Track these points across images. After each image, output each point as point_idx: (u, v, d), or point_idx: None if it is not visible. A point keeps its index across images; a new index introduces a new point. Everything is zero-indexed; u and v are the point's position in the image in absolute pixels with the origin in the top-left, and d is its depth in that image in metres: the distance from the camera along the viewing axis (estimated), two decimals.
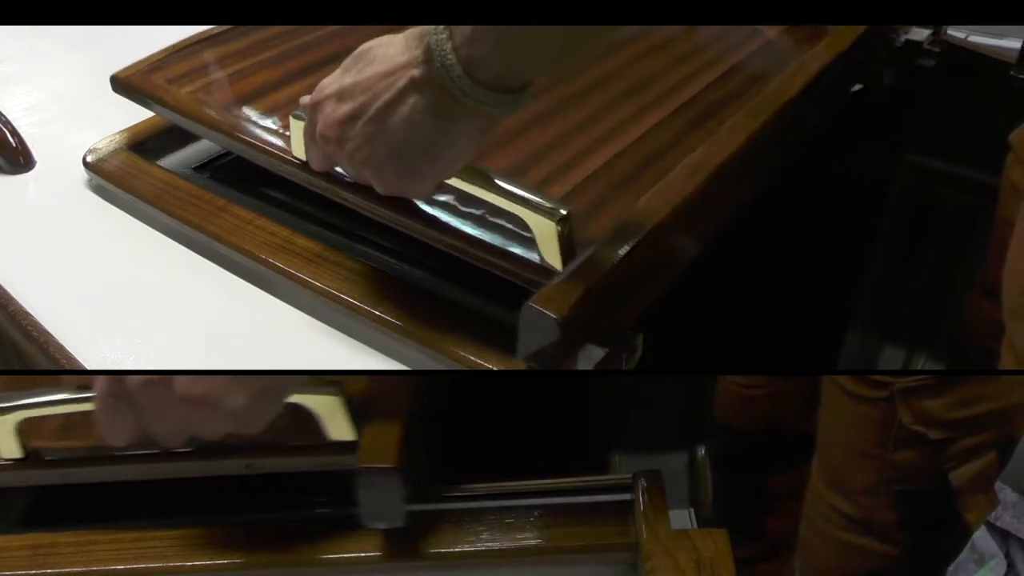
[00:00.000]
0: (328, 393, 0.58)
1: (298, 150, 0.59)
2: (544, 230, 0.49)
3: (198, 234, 0.68)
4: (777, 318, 1.24)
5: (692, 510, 0.64)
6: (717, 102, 0.70)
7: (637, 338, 0.56)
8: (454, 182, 0.52)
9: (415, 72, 0.47)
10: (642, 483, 0.63)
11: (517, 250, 0.52)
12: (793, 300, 1.21)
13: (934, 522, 0.79)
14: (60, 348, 0.60)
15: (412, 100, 0.47)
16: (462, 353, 0.54)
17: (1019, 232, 0.72)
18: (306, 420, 0.58)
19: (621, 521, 0.62)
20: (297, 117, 0.57)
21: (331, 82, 0.51)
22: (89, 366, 0.59)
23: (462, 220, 0.54)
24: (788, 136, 0.71)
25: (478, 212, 0.53)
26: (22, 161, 0.79)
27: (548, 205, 0.49)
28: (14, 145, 0.79)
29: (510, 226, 0.52)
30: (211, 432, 0.54)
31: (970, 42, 0.98)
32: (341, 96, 0.50)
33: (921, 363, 1.24)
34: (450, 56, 0.45)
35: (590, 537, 0.62)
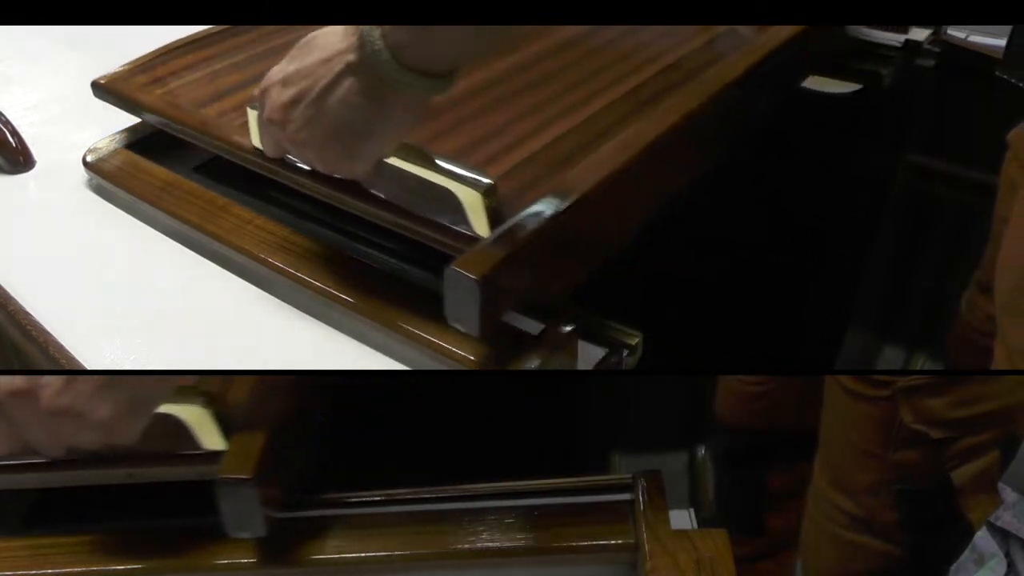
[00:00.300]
0: (195, 403, 0.59)
1: (255, 138, 0.61)
2: (471, 200, 0.53)
3: (198, 234, 0.68)
4: (778, 318, 1.24)
5: (692, 510, 0.64)
6: (664, 88, 0.72)
7: (637, 338, 0.57)
8: (392, 160, 0.55)
9: (350, 57, 0.50)
10: (642, 483, 0.63)
11: (450, 222, 0.55)
12: (793, 300, 1.21)
13: (936, 521, 0.79)
14: (60, 348, 0.60)
15: (348, 84, 0.50)
16: (462, 353, 0.54)
17: (1012, 229, 0.72)
18: (185, 429, 0.59)
19: (621, 521, 0.62)
20: (253, 107, 0.59)
21: (278, 70, 0.55)
22: (89, 366, 0.59)
23: (401, 196, 0.57)
24: (731, 119, 0.73)
25: (416, 189, 0.56)
26: (22, 161, 0.79)
27: (473, 177, 0.53)
28: (14, 145, 0.79)
29: (444, 200, 0.55)
30: (84, 442, 0.55)
31: (970, 42, 0.98)
32: (285, 82, 0.53)
33: (921, 363, 1.24)
34: (378, 43, 0.48)
35: (590, 537, 0.62)
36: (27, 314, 0.63)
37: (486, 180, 0.53)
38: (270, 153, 0.60)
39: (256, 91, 0.57)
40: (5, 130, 0.80)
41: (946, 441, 0.74)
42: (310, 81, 0.52)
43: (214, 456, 0.58)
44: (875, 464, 0.77)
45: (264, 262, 0.64)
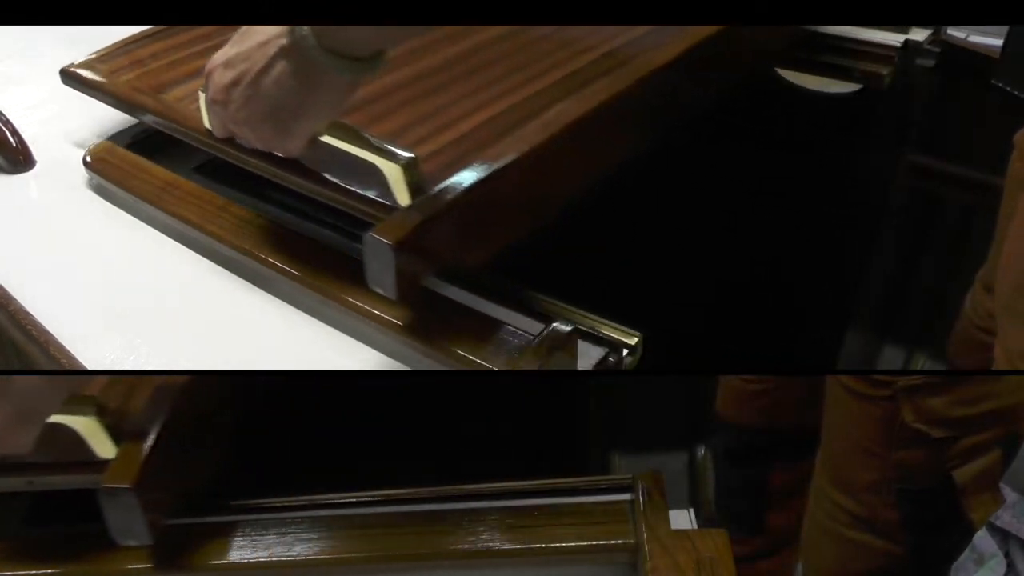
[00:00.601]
0: (83, 414, 0.60)
1: (205, 120, 0.64)
2: (394, 174, 0.56)
3: (198, 233, 0.68)
4: (778, 317, 1.24)
5: (692, 510, 0.64)
6: (597, 73, 0.73)
7: (637, 338, 0.57)
8: (325, 138, 0.58)
9: (283, 42, 0.53)
10: (642, 483, 0.63)
11: (377, 195, 0.58)
12: (794, 299, 1.21)
13: (938, 521, 0.79)
14: (60, 348, 0.60)
15: (280, 66, 0.54)
16: (461, 352, 0.55)
17: (1015, 229, 0.72)
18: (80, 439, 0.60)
19: (621, 521, 0.62)
20: (203, 90, 0.62)
21: (221, 54, 0.58)
22: (89, 365, 0.59)
23: (334, 172, 0.60)
24: (662, 103, 0.75)
25: (346, 164, 0.59)
26: (22, 160, 0.79)
27: (395, 151, 0.56)
28: (14, 145, 0.79)
29: (371, 174, 0.58)
30: None
31: (970, 42, 0.98)
32: (227, 65, 0.57)
33: (921, 362, 1.24)
34: (305, 28, 0.52)
35: (590, 537, 0.61)
36: (27, 314, 0.63)
37: (407, 154, 0.56)
38: (217, 133, 0.63)
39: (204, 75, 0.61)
40: (5, 130, 0.80)
41: (947, 440, 0.74)
42: (248, 64, 0.55)
43: (106, 465, 0.59)
44: (876, 463, 0.77)
45: (264, 262, 0.64)
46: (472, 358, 0.54)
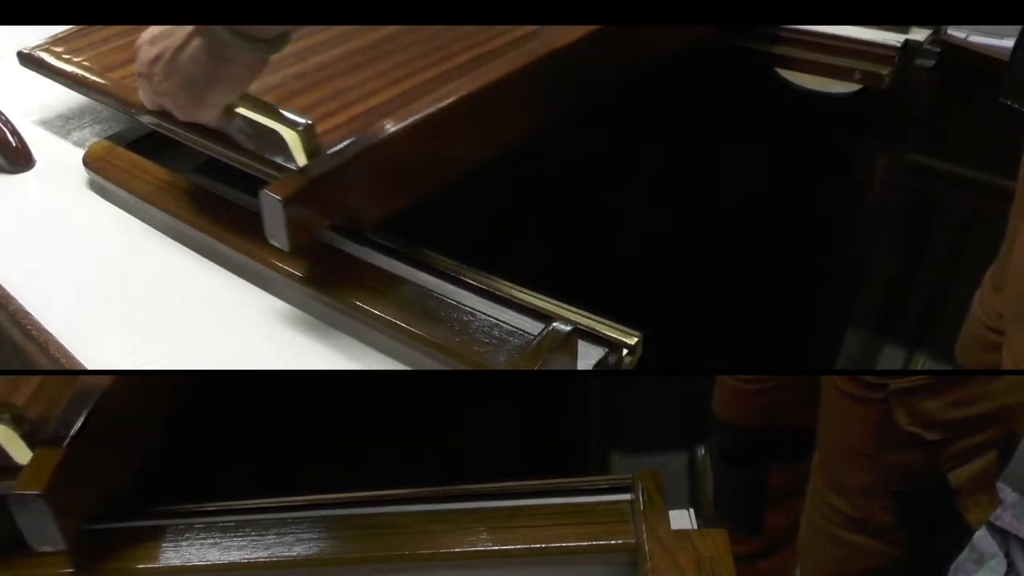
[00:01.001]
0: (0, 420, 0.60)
1: (141, 94, 0.69)
2: (292, 139, 0.61)
3: (198, 233, 0.68)
4: (778, 318, 1.24)
5: (692, 510, 0.63)
6: (503, 54, 0.76)
7: (637, 338, 0.57)
8: (237, 109, 0.63)
9: None
10: (642, 483, 0.63)
11: (282, 160, 0.63)
12: (793, 299, 1.21)
13: (934, 523, 0.78)
14: (60, 347, 0.60)
15: (195, 44, 0.59)
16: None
17: None
18: None
19: (621, 521, 0.62)
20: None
21: (148, 32, 0.63)
22: (89, 366, 0.59)
23: (245, 139, 0.65)
24: (561, 83, 0.78)
25: (254, 132, 0.64)
26: (22, 160, 0.79)
27: (294, 119, 0.62)
28: (14, 144, 0.79)
29: (274, 140, 0.63)
30: None
31: (970, 42, 0.98)
32: (151, 41, 0.63)
33: (922, 363, 1.24)
34: None
35: (590, 537, 0.61)
36: (27, 314, 0.63)
37: (305, 121, 0.61)
38: (148, 105, 0.68)
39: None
40: (5, 130, 0.80)
41: (942, 443, 0.73)
42: (169, 41, 0.61)
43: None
44: (870, 465, 0.77)
45: (264, 261, 0.64)
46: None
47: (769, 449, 1.00)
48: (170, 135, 0.69)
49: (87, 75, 0.77)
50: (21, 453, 0.60)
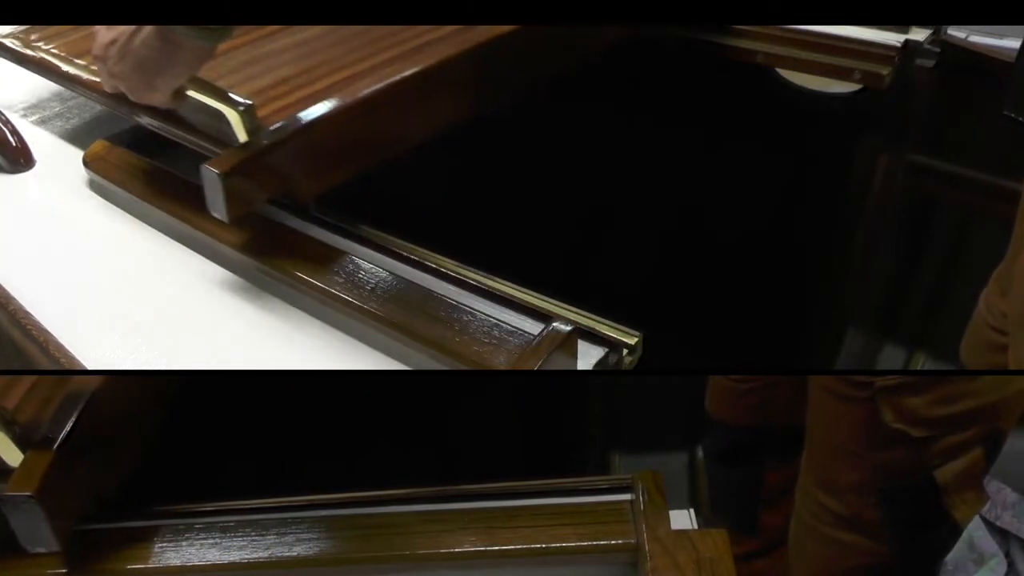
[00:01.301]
0: None
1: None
2: (235, 118, 0.65)
3: (199, 233, 0.68)
4: (777, 317, 1.24)
5: (692, 510, 0.63)
6: (440, 42, 0.79)
7: (637, 338, 0.56)
8: (188, 91, 0.67)
9: None
10: (642, 483, 0.63)
11: (226, 139, 0.66)
12: (792, 299, 1.21)
13: (921, 520, 0.79)
14: (60, 347, 0.60)
15: (148, 29, 0.62)
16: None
17: None
18: None
19: (621, 521, 0.62)
20: None
21: None
22: (89, 366, 0.59)
23: (195, 119, 0.69)
24: (495, 71, 0.80)
25: (203, 112, 0.67)
26: (22, 160, 0.79)
27: (236, 99, 0.65)
28: (14, 144, 0.79)
29: (220, 120, 0.66)
30: None
31: (970, 42, 0.98)
32: (109, 27, 0.65)
33: (921, 363, 1.24)
34: None
35: (590, 537, 0.61)
36: (27, 314, 0.63)
37: (246, 101, 0.65)
38: (107, 88, 0.71)
39: None
40: (5, 129, 0.80)
41: (928, 440, 0.74)
42: (124, 26, 0.63)
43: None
44: (858, 463, 0.77)
45: (264, 261, 0.64)
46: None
47: (763, 448, 1.00)
48: (125, 117, 0.74)
49: (56, 62, 0.80)
50: (12, 456, 0.61)
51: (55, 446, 0.59)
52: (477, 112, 0.80)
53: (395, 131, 0.73)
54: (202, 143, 0.67)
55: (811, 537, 0.85)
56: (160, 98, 0.67)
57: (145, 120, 0.71)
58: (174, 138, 0.70)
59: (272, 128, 0.65)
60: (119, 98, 0.70)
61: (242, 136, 0.65)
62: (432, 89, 0.74)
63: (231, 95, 0.66)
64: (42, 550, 0.60)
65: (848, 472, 0.78)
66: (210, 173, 0.60)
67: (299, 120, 0.66)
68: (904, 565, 0.81)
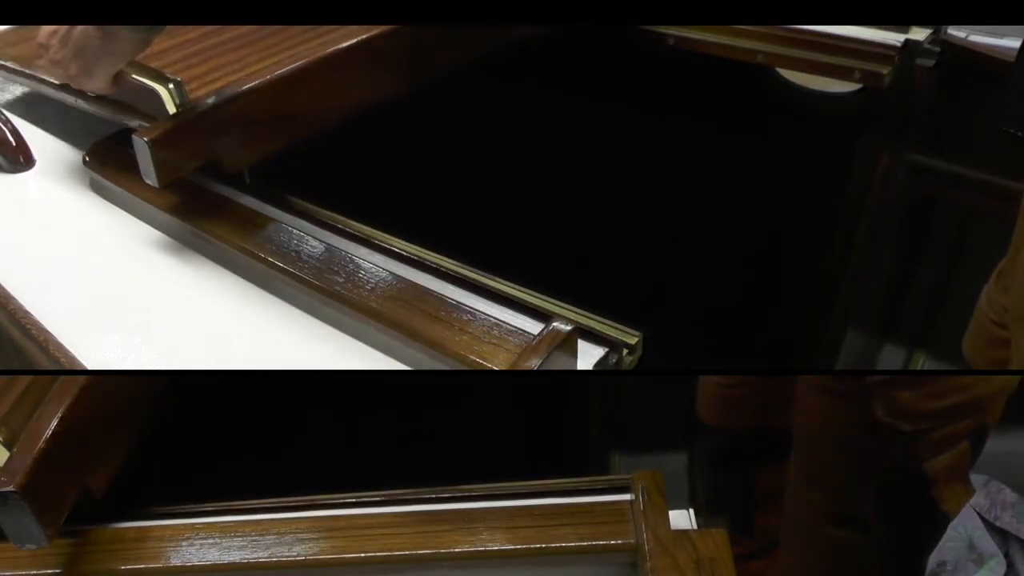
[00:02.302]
0: None
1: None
2: (165, 94, 0.70)
3: (199, 233, 0.68)
4: (777, 317, 1.24)
5: (692, 511, 0.64)
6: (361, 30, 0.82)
7: (637, 338, 0.56)
8: (129, 75, 0.71)
9: None
10: (642, 483, 0.63)
11: (158, 113, 0.70)
12: (792, 298, 1.21)
13: (912, 513, 0.80)
14: (60, 347, 0.60)
15: None
16: (462, 353, 0.54)
17: None
18: None
19: (621, 521, 0.62)
20: None
21: None
22: (89, 365, 0.59)
23: (132, 100, 0.73)
24: (417, 55, 0.84)
25: (137, 92, 0.72)
26: (22, 160, 0.79)
27: (166, 77, 0.70)
28: (14, 144, 0.79)
29: (153, 97, 0.71)
30: None
31: (970, 42, 0.98)
32: None
33: (921, 362, 1.24)
34: None
35: (590, 537, 0.61)
36: (27, 313, 0.63)
37: (175, 79, 0.70)
38: (56, 78, 0.75)
39: None
40: (5, 129, 0.80)
41: (917, 433, 0.75)
42: None
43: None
44: (849, 458, 0.78)
45: (264, 261, 0.64)
46: (472, 356, 0.54)
47: (755, 450, 1.00)
48: (66, 103, 0.78)
49: (14, 62, 0.85)
50: (2, 457, 0.60)
51: (40, 442, 0.59)
52: (416, 88, 0.84)
53: (316, 106, 0.77)
54: (135, 120, 0.72)
55: (802, 535, 0.86)
56: (98, 84, 0.71)
57: (90, 107, 0.76)
58: (115, 121, 0.74)
59: (200, 101, 0.71)
60: (64, 86, 0.75)
61: (172, 110, 0.70)
62: (355, 64, 0.78)
63: (163, 74, 0.71)
64: (32, 547, 0.59)
65: (838, 467, 0.79)
66: (140, 141, 0.65)
67: (225, 93, 0.71)
68: (893, 560, 0.82)
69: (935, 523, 0.82)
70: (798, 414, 0.83)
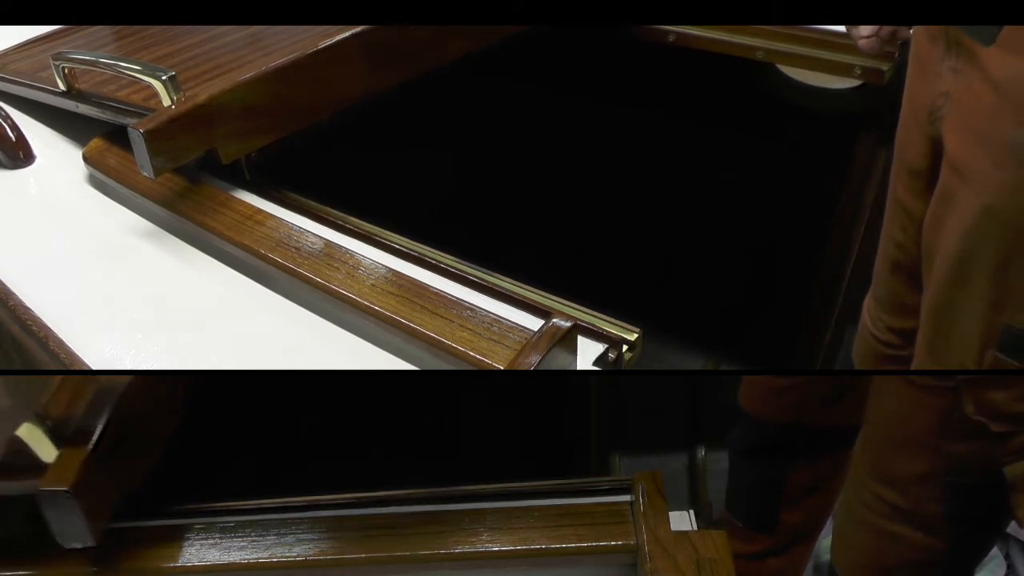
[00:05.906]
0: (28, 418, 0.60)
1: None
2: (160, 87, 0.71)
3: (198, 229, 0.67)
4: (776, 316, 1.24)
5: (692, 511, 0.63)
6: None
7: (637, 334, 0.56)
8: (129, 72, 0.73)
9: None
10: (642, 485, 0.63)
11: (154, 105, 0.71)
12: (792, 297, 1.21)
13: (982, 516, 0.78)
14: (60, 343, 0.60)
15: None
16: (462, 349, 0.54)
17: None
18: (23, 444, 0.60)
19: (621, 522, 0.62)
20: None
21: None
22: (89, 361, 0.59)
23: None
24: (402, 53, 0.84)
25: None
26: (22, 156, 0.79)
27: (161, 71, 0.71)
28: (14, 140, 0.79)
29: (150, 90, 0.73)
30: None
31: None
32: None
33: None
34: None
35: (590, 538, 0.61)
36: (27, 309, 0.63)
37: (169, 73, 0.71)
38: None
39: None
40: (5, 125, 0.80)
41: (1005, 435, 0.73)
42: None
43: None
44: (929, 454, 0.77)
45: (264, 258, 0.63)
46: (474, 355, 0.54)
47: (794, 446, 0.99)
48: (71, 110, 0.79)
49: (23, 79, 0.86)
50: (46, 451, 0.60)
51: (91, 443, 0.59)
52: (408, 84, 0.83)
53: (307, 100, 0.78)
54: (135, 112, 0.72)
55: (862, 529, 0.85)
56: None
57: (83, 108, 0.76)
58: (113, 120, 0.75)
59: (194, 95, 0.71)
60: (68, 95, 0.77)
61: (167, 103, 0.71)
62: (346, 59, 0.79)
63: (158, 69, 0.72)
64: (77, 545, 0.60)
65: (915, 463, 0.78)
66: (135, 133, 0.66)
67: (219, 85, 0.72)
68: (949, 562, 0.81)
69: (998, 531, 0.81)
70: (873, 404, 0.82)
